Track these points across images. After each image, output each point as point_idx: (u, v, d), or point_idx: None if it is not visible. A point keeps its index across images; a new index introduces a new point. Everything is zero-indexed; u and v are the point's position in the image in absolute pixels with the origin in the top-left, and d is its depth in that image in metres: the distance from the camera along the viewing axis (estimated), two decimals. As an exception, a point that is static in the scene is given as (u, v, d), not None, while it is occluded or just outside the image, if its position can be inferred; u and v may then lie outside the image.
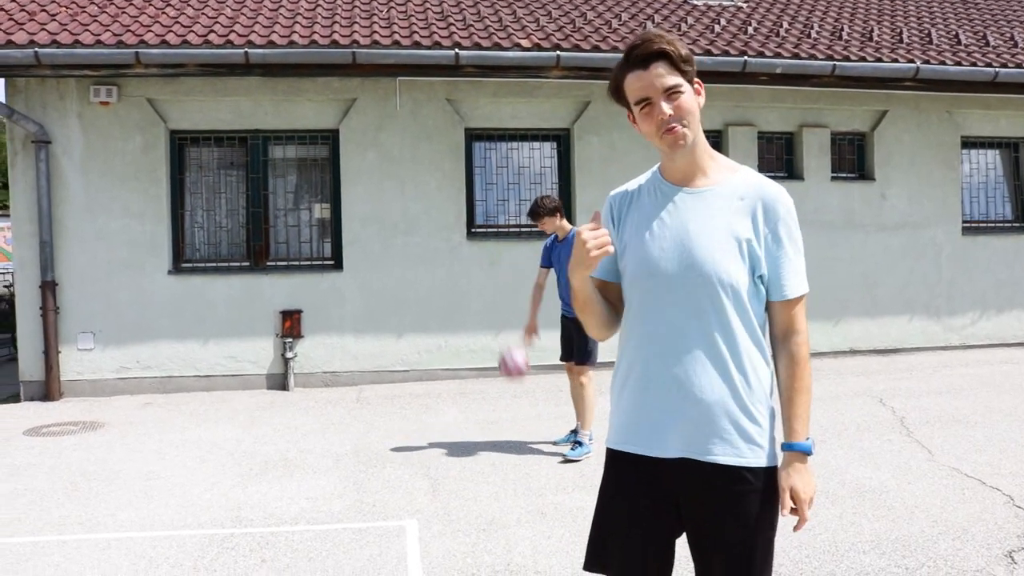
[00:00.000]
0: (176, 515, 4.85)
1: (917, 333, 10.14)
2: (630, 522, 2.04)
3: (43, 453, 6.36)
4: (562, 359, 6.29)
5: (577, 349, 6.02)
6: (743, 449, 1.95)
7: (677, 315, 1.97)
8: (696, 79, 2.01)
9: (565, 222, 6.13)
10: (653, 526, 2.02)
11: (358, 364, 8.96)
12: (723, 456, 1.95)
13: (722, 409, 1.95)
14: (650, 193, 2.10)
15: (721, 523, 1.96)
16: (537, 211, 6.07)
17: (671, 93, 1.95)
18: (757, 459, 1.96)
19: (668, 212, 2.04)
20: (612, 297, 2.15)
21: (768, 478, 1.98)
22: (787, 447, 1.98)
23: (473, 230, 9.29)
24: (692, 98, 1.98)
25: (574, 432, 6.16)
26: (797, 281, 2.01)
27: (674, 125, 1.95)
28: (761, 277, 1.99)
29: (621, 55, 2.07)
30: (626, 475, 2.07)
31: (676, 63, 1.95)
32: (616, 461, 2.11)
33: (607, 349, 6.05)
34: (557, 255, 6.15)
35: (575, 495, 5.05)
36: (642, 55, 1.95)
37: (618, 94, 2.04)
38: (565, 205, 9.47)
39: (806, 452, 1.96)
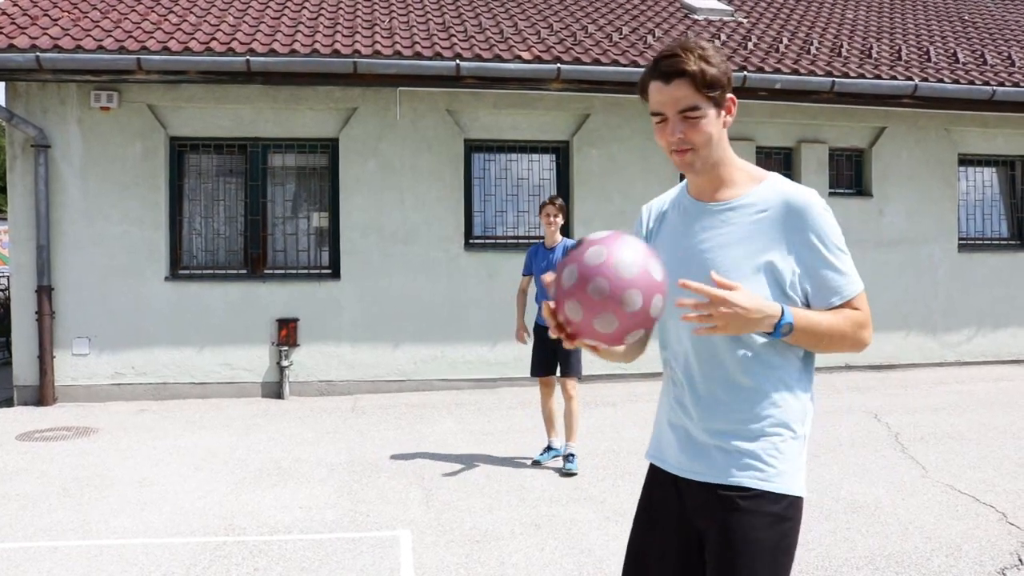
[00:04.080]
0: (169, 522, 4.84)
1: (913, 349, 10.14)
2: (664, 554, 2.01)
3: (36, 458, 6.34)
4: (538, 374, 6.18)
5: (564, 362, 6.00)
6: (754, 472, 1.86)
7: (693, 341, 1.93)
8: (729, 96, 1.90)
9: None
10: (684, 558, 1.98)
11: (354, 373, 8.94)
12: (735, 478, 1.87)
13: (740, 433, 1.88)
14: (675, 208, 2.06)
15: (730, 547, 1.87)
16: (555, 200, 6.11)
17: (687, 115, 1.86)
18: (768, 483, 1.86)
19: (687, 230, 1.98)
20: None
21: (783, 507, 1.86)
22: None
23: (471, 241, 9.30)
24: (712, 122, 1.87)
25: (550, 449, 6.13)
26: (844, 287, 1.89)
27: (683, 148, 1.88)
28: (803, 291, 1.89)
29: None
30: (657, 493, 2.05)
31: (698, 86, 1.84)
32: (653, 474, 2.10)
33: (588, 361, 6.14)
34: (538, 263, 6.16)
35: (570, 507, 5.04)
36: (665, 70, 1.86)
37: (644, 97, 1.95)
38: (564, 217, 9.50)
39: (782, 316, 1.80)
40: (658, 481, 2.04)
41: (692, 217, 1.99)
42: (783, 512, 1.86)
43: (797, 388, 1.91)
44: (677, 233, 2.01)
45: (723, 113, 1.91)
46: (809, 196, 1.90)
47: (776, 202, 1.90)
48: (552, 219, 6.10)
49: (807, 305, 1.90)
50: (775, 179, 1.96)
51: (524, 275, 6.37)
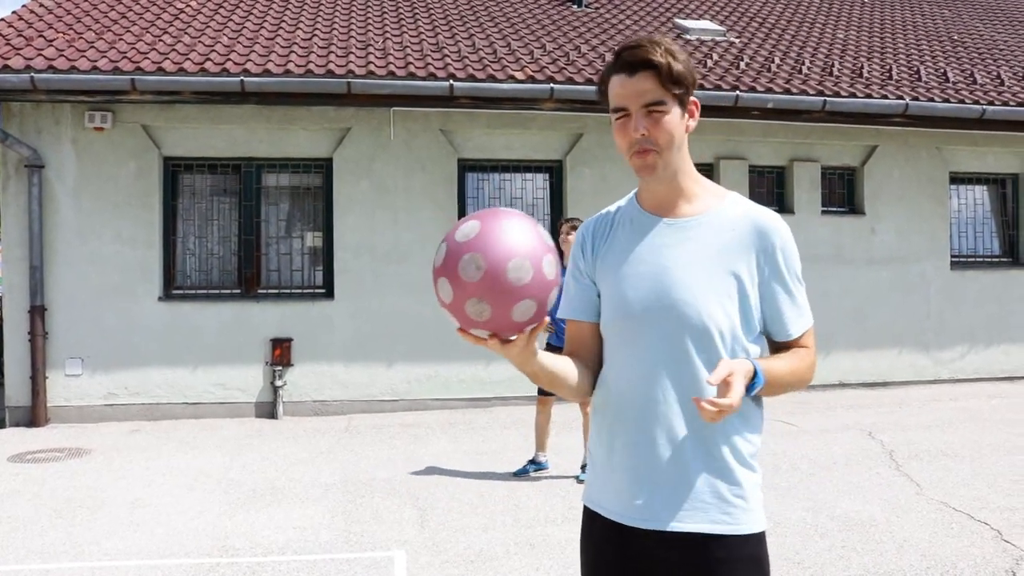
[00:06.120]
0: (162, 544, 4.80)
1: (906, 367, 10.16)
2: None
3: (27, 480, 6.29)
4: (541, 392, 6.21)
5: None
6: (721, 516, 1.75)
7: (656, 365, 1.76)
8: (692, 99, 1.79)
9: None
10: None
11: (348, 393, 8.92)
12: (700, 524, 1.74)
13: (703, 474, 1.75)
14: (626, 224, 1.89)
15: None
16: (572, 222, 6.27)
17: (651, 110, 1.74)
18: (738, 526, 1.75)
19: (645, 247, 1.83)
20: (586, 338, 1.91)
21: (753, 546, 1.77)
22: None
23: (465, 260, 9.29)
24: (676, 121, 1.76)
25: (533, 462, 6.26)
26: (801, 318, 1.83)
27: (645, 148, 1.75)
28: (760, 319, 1.81)
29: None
30: (608, 546, 1.88)
31: (664, 80, 1.73)
32: (594, 520, 1.92)
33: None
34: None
35: (564, 527, 5.02)
36: (630, 61, 1.74)
37: (604, 96, 1.83)
38: (556, 236, 9.53)
39: (756, 377, 1.69)
40: (605, 534, 1.86)
41: (650, 232, 1.84)
42: (757, 552, 1.78)
43: (758, 424, 1.83)
44: (634, 249, 1.84)
45: (686, 116, 1.79)
46: (778, 219, 1.83)
47: (744, 223, 1.80)
48: (570, 239, 6.21)
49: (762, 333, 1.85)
50: (737, 198, 1.87)
51: None
